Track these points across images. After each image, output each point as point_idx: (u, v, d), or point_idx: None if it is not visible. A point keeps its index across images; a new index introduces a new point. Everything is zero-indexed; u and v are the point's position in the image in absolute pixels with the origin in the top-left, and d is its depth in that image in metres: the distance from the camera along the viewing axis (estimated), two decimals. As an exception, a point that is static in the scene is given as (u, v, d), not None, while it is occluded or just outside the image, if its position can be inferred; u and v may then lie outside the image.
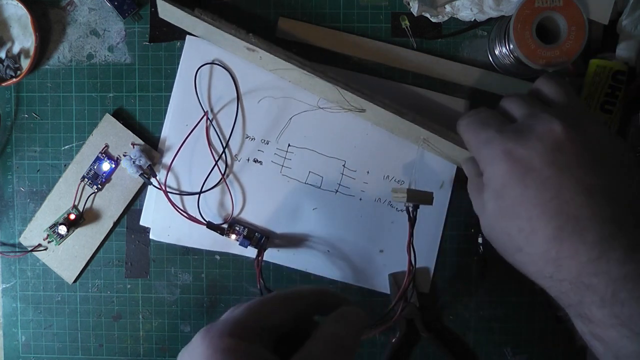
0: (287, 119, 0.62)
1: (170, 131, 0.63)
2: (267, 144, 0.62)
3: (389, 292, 0.62)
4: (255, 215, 0.63)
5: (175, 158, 0.62)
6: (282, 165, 0.62)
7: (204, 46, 0.62)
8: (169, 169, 0.62)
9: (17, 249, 0.64)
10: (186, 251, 0.64)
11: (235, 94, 0.62)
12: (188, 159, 0.62)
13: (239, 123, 0.62)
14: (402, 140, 0.61)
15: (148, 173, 0.62)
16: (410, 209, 0.54)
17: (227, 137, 0.62)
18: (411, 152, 0.61)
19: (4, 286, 0.65)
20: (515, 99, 0.45)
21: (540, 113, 0.41)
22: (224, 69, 0.62)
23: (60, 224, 0.62)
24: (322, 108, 0.61)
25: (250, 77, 0.62)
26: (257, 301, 0.36)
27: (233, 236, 0.61)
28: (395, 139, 0.62)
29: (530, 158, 0.38)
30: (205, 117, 0.62)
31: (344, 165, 0.62)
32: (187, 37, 0.62)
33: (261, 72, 0.62)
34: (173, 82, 0.63)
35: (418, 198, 0.52)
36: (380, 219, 0.62)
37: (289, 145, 0.62)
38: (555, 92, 0.44)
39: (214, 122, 0.62)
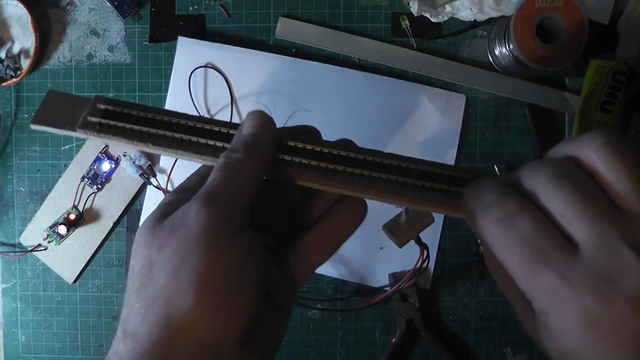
0: (283, 120, 0.62)
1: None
2: None
3: (389, 289, 0.62)
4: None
5: (175, 162, 0.62)
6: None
7: (197, 48, 0.62)
8: (169, 174, 0.62)
9: (17, 249, 0.64)
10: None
11: (228, 98, 0.62)
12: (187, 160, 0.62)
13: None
14: (399, 135, 0.61)
15: (148, 173, 0.62)
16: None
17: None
18: (408, 148, 0.61)
19: (4, 286, 0.65)
20: (570, 198, 0.27)
21: (620, 248, 0.26)
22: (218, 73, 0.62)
23: (60, 224, 0.62)
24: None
25: (246, 81, 0.62)
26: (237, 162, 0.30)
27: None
28: (392, 135, 0.62)
29: (617, 323, 0.27)
30: None
31: None
32: (179, 38, 0.62)
33: (256, 75, 0.62)
34: (173, 82, 0.63)
35: (417, 230, 0.40)
36: (379, 215, 0.62)
37: None
38: (631, 190, 0.27)
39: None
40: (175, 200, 0.31)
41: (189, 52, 0.62)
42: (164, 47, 0.63)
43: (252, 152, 0.31)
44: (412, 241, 0.43)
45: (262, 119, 0.32)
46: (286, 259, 0.33)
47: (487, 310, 0.63)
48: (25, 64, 0.62)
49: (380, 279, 0.63)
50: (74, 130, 0.32)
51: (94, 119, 0.32)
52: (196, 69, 0.61)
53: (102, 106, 0.32)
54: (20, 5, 0.61)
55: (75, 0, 0.63)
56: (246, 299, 0.28)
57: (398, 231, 0.36)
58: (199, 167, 0.34)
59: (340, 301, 0.63)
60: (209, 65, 0.62)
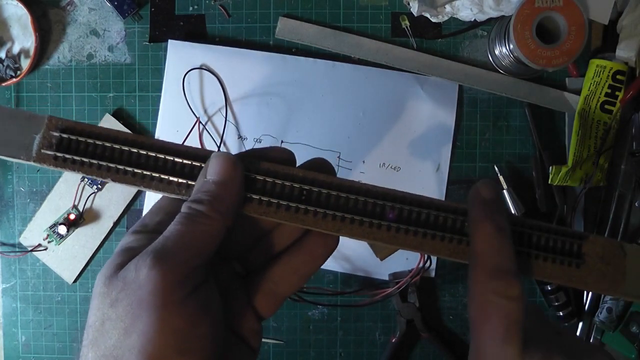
0: (278, 116, 0.62)
1: (161, 138, 0.63)
2: (260, 142, 0.62)
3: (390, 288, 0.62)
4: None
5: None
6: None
7: (189, 50, 0.62)
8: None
9: (17, 249, 0.64)
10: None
11: (224, 99, 0.62)
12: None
13: (232, 125, 0.62)
14: (394, 126, 0.62)
15: (148, 173, 0.62)
16: None
17: (220, 141, 0.62)
18: (404, 139, 0.61)
19: (4, 286, 0.65)
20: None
21: None
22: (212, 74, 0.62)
23: (60, 224, 0.62)
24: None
25: (240, 81, 0.62)
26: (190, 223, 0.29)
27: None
28: (388, 126, 0.62)
29: None
30: (197, 123, 0.61)
31: (339, 157, 0.62)
32: (170, 41, 0.62)
33: (250, 75, 0.62)
34: (173, 82, 0.63)
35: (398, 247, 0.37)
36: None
37: (282, 142, 0.62)
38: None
39: (209, 125, 0.62)
40: (134, 245, 0.30)
41: (180, 55, 0.62)
42: (163, 47, 0.63)
43: (217, 207, 0.29)
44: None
45: (229, 165, 0.30)
46: (254, 289, 0.32)
47: (487, 310, 0.63)
48: (25, 64, 0.62)
49: (382, 271, 0.63)
50: (29, 161, 0.31)
51: (48, 152, 0.31)
52: (189, 71, 0.61)
53: (56, 134, 0.31)
54: (20, 5, 0.61)
55: (75, 0, 0.63)
56: None
57: (379, 245, 0.34)
58: (161, 200, 0.33)
59: (342, 297, 0.63)
60: (203, 67, 0.62)
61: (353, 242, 0.62)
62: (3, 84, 0.62)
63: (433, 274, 0.63)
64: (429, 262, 0.60)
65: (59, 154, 0.31)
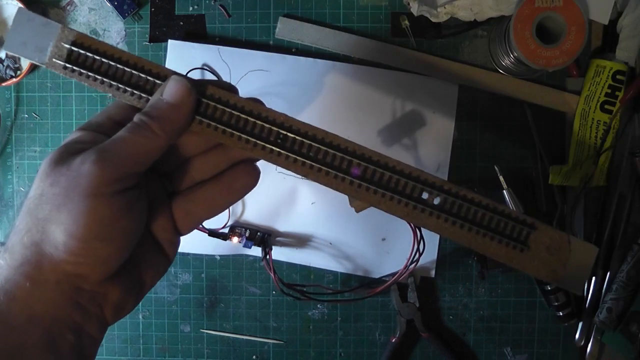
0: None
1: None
2: None
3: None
4: (255, 215, 0.63)
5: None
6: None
7: (189, 50, 0.62)
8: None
9: (17, 249, 0.64)
10: (186, 251, 0.64)
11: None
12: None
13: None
14: (396, 126, 0.62)
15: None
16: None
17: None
18: (404, 138, 0.61)
19: (4, 286, 0.65)
20: None
21: None
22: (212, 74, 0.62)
23: (60, 224, 0.62)
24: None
25: (240, 81, 0.62)
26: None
27: (235, 239, 0.61)
28: (388, 126, 0.62)
29: None
30: None
31: None
32: (170, 41, 0.62)
33: (250, 76, 0.62)
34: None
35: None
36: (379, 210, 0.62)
37: None
38: None
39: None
40: (81, 139, 0.33)
41: (180, 55, 0.62)
42: (164, 47, 0.63)
43: (164, 126, 0.32)
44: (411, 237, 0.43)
45: (185, 90, 0.33)
46: (177, 206, 0.36)
47: (487, 310, 0.63)
48: (25, 64, 0.62)
49: (383, 271, 0.63)
50: (42, 64, 0.35)
51: (59, 62, 0.34)
52: (190, 71, 0.61)
53: (67, 45, 0.34)
54: (20, 5, 0.61)
55: (75, 0, 0.63)
56: (112, 250, 0.31)
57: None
58: (109, 106, 0.36)
59: (342, 295, 0.63)
60: (203, 67, 0.62)
61: (353, 242, 0.62)
62: (3, 84, 0.62)
63: (433, 274, 0.63)
64: (421, 241, 0.58)
65: (68, 65, 0.34)
